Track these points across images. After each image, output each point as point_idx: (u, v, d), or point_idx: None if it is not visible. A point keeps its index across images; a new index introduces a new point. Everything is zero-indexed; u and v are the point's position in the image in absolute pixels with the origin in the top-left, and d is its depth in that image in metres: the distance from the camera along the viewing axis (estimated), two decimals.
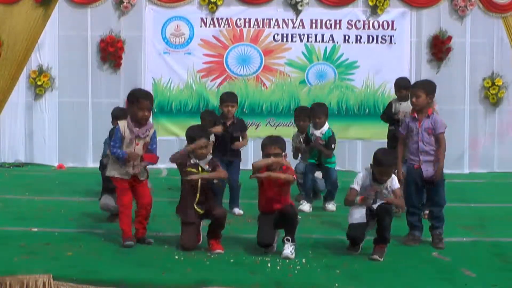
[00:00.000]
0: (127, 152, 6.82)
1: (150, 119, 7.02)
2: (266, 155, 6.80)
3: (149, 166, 7.13)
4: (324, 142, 9.00)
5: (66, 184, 10.92)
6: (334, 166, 9.21)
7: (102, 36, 12.91)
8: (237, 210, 8.68)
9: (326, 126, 9.09)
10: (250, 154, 12.15)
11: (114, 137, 6.91)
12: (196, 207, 6.84)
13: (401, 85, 9.13)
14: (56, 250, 6.64)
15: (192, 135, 6.94)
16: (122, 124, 6.89)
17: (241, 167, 8.96)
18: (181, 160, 6.89)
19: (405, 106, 8.75)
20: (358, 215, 6.69)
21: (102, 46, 12.89)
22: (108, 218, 8.06)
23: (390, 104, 9.37)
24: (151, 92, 7.90)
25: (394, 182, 6.74)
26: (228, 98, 8.90)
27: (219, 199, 8.13)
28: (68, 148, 13.07)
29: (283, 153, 6.79)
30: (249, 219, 8.03)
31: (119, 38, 12.90)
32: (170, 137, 12.94)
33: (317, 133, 9.04)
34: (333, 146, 9.04)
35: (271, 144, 6.81)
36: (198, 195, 6.84)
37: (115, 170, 6.93)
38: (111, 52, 12.86)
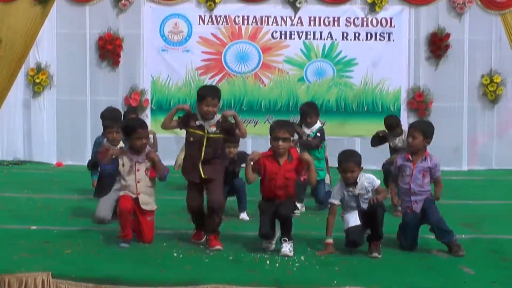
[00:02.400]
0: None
1: (148, 147, 7.13)
2: (274, 138, 6.62)
3: None
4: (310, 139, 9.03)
5: (65, 182, 10.94)
6: (322, 176, 9.04)
7: (100, 34, 12.93)
8: (244, 215, 8.42)
9: (318, 125, 9.13)
10: (249, 152, 12.13)
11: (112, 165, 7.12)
12: (200, 168, 6.76)
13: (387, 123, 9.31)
14: (55, 248, 6.64)
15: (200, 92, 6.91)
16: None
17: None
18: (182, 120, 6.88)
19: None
20: (353, 218, 6.65)
21: (101, 43, 12.90)
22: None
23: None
24: (142, 119, 7.96)
25: (370, 181, 6.68)
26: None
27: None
28: (66, 146, 13.09)
29: (291, 138, 6.71)
30: (252, 219, 8.02)
31: (117, 36, 12.92)
32: (168, 134, 12.87)
33: (308, 131, 9.04)
34: (318, 134, 8.99)
35: (280, 128, 6.64)
36: (203, 153, 6.76)
37: (122, 190, 7.00)
38: (109, 49, 12.87)
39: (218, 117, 6.82)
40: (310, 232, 7.43)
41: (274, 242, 6.74)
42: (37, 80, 12.90)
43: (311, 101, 11.26)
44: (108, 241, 6.95)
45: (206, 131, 6.77)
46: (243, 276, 5.85)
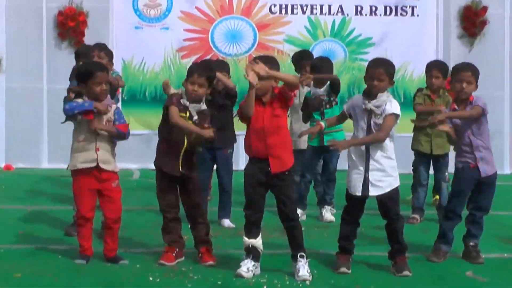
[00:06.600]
0: (94, 104, 6.88)
1: (109, 96, 7.16)
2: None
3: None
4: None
5: (15, 188, 10.91)
6: (341, 137, 8.90)
7: (60, 8, 12.91)
8: (227, 222, 8.60)
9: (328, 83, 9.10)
10: (242, 154, 12.06)
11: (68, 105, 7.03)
12: (180, 161, 6.90)
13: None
14: (2, 270, 6.60)
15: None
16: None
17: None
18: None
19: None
20: (355, 181, 6.70)
21: (60, 20, 12.88)
22: (65, 231, 8.04)
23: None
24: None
25: (390, 105, 6.66)
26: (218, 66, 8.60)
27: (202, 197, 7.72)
28: (17, 144, 13.02)
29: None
30: (241, 232, 7.96)
31: (80, 10, 12.90)
32: (144, 130, 12.86)
33: (320, 91, 8.96)
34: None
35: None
36: (186, 141, 6.87)
37: (77, 158, 6.94)
38: (71, 27, 12.86)
39: (203, 107, 6.96)
40: (317, 250, 7.41)
41: (258, 265, 6.66)
42: None
43: (324, 56, 11.07)
44: (68, 263, 6.89)
45: (188, 114, 6.88)
46: None
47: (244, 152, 11.57)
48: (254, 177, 6.63)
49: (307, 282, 6.38)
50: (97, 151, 6.91)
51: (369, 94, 6.70)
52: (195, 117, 6.87)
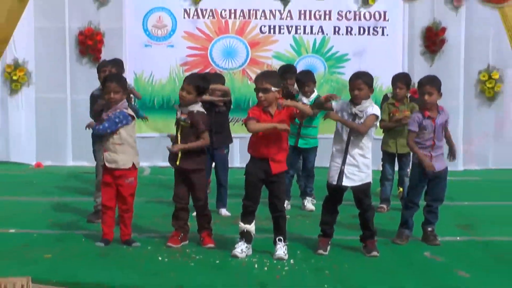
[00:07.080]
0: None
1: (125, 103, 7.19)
2: (254, 89, 6.72)
3: None
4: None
5: (45, 183, 10.95)
6: (315, 144, 9.23)
7: (80, 29, 12.90)
8: (223, 211, 8.74)
9: (315, 93, 9.15)
10: (236, 154, 12.16)
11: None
12: (179, 154, 7.01)
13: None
14: (35, 252, 6.71)
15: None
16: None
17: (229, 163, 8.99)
18: None
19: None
20: (334, 172, 6.84)
21: (81, 39, 12.89)
22: (87, 219, 8.15)
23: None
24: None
25: (372, 109, 6.81)
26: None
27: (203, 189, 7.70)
28: (46, 145, 13.06)
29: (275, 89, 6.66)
30: (236, 219, 8.09)
31: (98, 31, 12.90)
32: (153, 133, 12.94)
33: (305, 101, 8.90)
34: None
35: (258, 79, 6.71)
36: (179, 138, 7.04)
37: (99, 158, 7.17)
38: (90, 45, 12.86)
39: (196, 107, 7.05)
40: (300, 234, 7.55)
41: (250, 246, 6.80)
42: (15, 77, 12.87)
43: (307, 69, 11.14)
44: (91, 246, 7.02)
45: (176, 114, 7.10)
46: (230, 281, 5.95)
47: (238, 151, 12.00)
48: (255, 174, 6.71)
49: (285, 258, 6.56)
50: (104, 152, 7.09)
51: (354, 102, 6.87)
52: (183, 118, 7.01)
